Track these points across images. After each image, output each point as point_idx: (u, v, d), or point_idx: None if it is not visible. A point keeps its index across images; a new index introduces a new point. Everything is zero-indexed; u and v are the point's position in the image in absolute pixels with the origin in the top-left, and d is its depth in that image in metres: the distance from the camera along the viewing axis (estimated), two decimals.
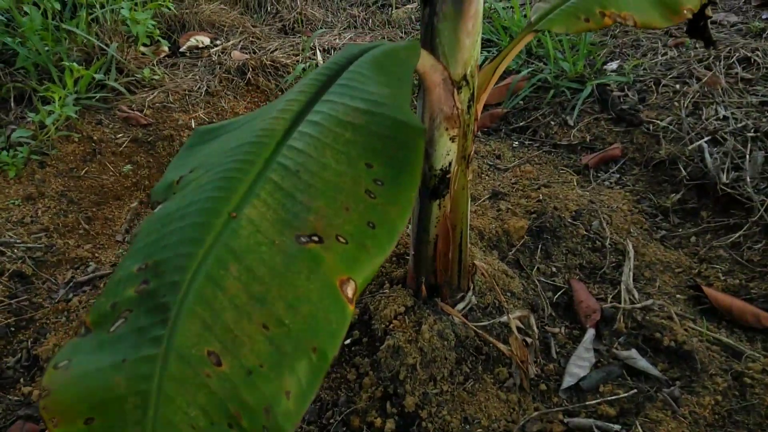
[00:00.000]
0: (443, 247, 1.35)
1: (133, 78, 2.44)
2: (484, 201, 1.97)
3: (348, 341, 1.46)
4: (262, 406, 0.50)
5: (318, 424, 1.30)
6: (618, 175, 2.08)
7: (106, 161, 2.09)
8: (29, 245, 1.70)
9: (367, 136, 0.62)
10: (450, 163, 1.21)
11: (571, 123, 2.35)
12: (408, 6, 3.39)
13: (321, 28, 3.17)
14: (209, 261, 0.55)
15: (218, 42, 2.93)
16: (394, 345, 1.38)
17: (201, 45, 2.89)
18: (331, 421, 1.29)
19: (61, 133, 2.09)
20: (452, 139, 1.17)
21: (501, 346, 1.33)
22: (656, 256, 1.66)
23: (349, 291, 0.53)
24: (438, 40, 1.05)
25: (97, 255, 1.78)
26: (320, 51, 2.68)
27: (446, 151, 1.18)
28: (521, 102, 2.51)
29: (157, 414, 0.51)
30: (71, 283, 1.65)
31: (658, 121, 2.13)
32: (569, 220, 1.76)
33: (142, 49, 2.86)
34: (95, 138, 2.15)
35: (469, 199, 1.31)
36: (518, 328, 1.44)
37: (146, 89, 2.44)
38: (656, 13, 1.14)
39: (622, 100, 2.33)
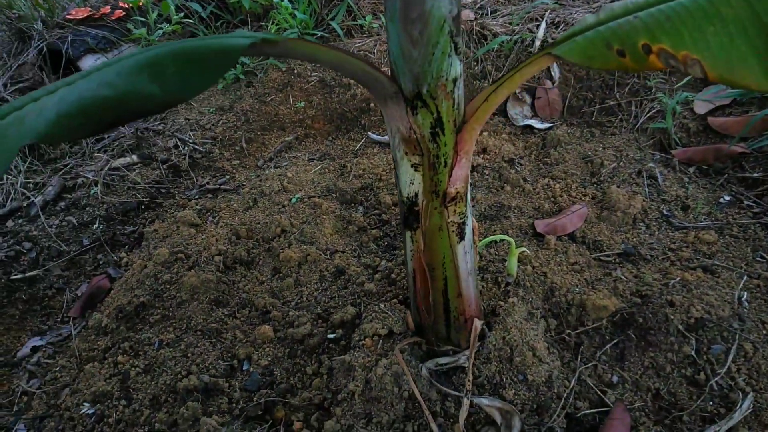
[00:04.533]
0: (421, 285, 1.14)
1: (356, 23, 2.59)
2: (604, 255, 1.52)
3: (332, 336, 1.40)
4: None
5: (257, 394, 1.31)
6: None
7: (291, 94, 2.33)
8: (196, 146, 2.08)
9: None
10: (416, 195, 0.98)
11: None
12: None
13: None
14: None
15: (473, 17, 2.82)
16: (349, 363, 1.26)
17: None
18: (254, 401, 1.29)
19: (271, 62, 2.41)
20: (414, 168, 0.95)
21: (433, 426, 1.09)
22: None
23: None
24: (389, 44, 0.84)
25: (234, 172, 2.06)
26: (547, 24, 2.33)
27: (410, 180, 0.97)
28: None
29: None
30: (203, 188, 1.98)
31: None
32: (680, 327, 1.24)
33: None
34: (295, 72, 2.40)
35: (456, 245, 1.05)
36: (491, 422, 1.14)
37: (363, 36, 2.56)
38: (755, 63, 0.66)
39: None
